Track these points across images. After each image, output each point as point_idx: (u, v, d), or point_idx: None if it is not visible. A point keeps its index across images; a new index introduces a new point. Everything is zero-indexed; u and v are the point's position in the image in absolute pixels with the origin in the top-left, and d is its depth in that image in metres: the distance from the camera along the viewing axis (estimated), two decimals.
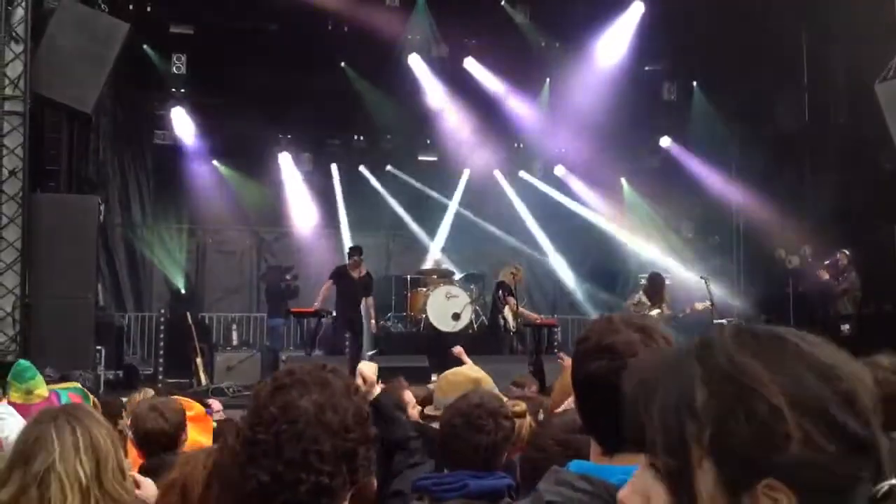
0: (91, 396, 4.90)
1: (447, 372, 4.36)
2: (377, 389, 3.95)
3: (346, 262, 13.89)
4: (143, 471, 3.41)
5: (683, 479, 1.02)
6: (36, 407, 4.68)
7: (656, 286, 13.64)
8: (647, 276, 14.12)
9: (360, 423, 1.86)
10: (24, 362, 4.90)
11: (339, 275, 13.81)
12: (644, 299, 13.50)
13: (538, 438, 2.81)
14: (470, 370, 4.32)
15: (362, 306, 13.88)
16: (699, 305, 13.65)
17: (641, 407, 1.09)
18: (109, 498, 2.51)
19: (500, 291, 13.87)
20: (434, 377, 11.26)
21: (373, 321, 13.94)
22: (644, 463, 1.07)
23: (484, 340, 14.46)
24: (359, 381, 4.13)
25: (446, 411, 3.09)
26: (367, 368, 3.97)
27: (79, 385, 5.05)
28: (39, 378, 4.83)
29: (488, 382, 4.07)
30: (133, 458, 3.96)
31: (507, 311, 13.69)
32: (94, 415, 2.69)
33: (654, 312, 13.37)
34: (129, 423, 4.43)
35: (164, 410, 3.98)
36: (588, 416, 1.91)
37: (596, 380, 1.84)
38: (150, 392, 5.74)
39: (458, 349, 7.92)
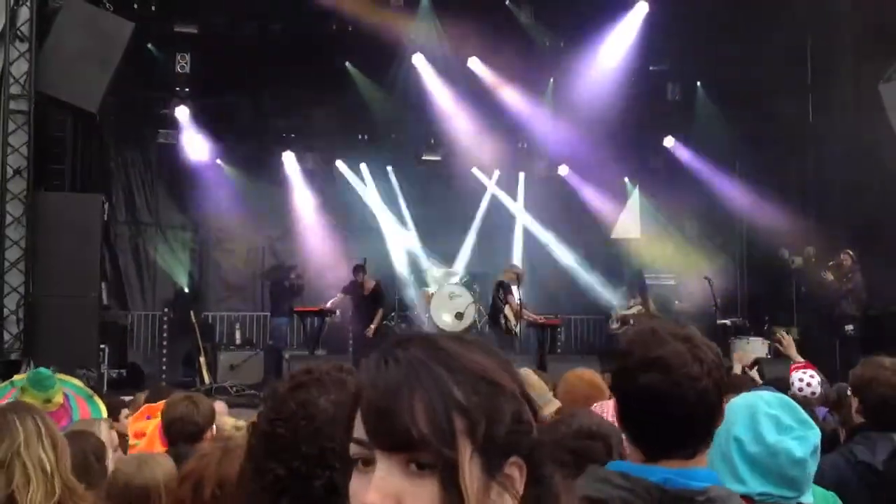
0: (95, 396, 4.91)
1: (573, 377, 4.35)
2: None
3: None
4: None
5: (452, 471, 1.12)
6: (53, 415, 4.70)
7: (636, 281, 13.81)
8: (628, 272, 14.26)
9: None
10: (44, 371, 4.92)
11: (351, 290, 14.15)
12: (626, 294, 13.70)
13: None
14: (593, 376, 4.28)
15: None
16: (677, 306, 13.88)
17: (402, 410, 1.15)
18: (67, 488, 2.54)
19: (500, 291, 13.87)
20: None
21: (372, 326, 13.90)
22: (394, 465, 1.13)
23: (487, 340, 14.46)
24: None
25: None
26: None
27: (80, 384, 5.06)
28: (58, 386, 4.85)
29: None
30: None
31: (508, 311, 13.70)
32: (41, 412, 2.76)
33: (637, 308, 13.49)
34: (130, 423, 4.45)
35: (198, 402, 4.05)
36: (634, 426, 1.93)
37: (647, 393, 1.86)
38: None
39: None
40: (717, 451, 2.32)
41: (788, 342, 6.42)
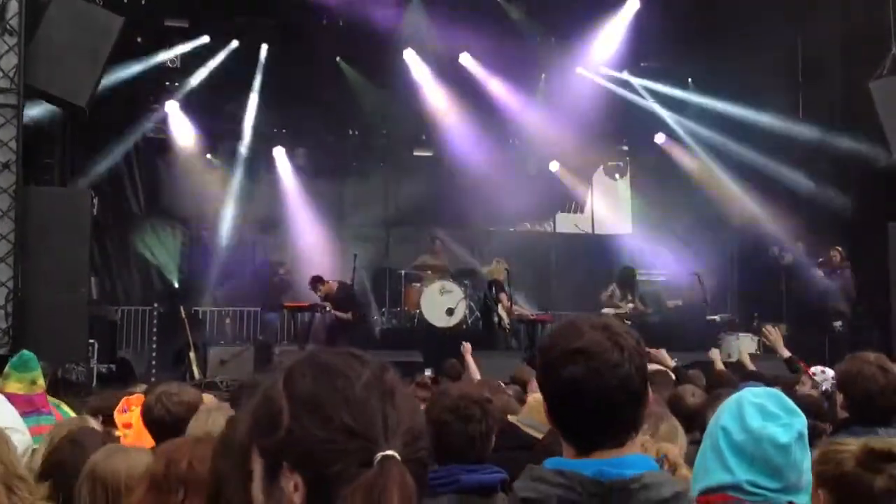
0: (62, 405, 4.90)
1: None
2: None
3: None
4: None
5: (241, 481, 1.31)
6: (38, 397, 4.69)
7: (625, 279, 13.84)
8: (619, 269, 14.29)
9: None
10: (28, 353, 4.91)
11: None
12: (617, 291, 13.70)
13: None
14: None
15: None
16: (670, 304, 13.89)
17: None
18: (16, 478, 2.51)
19: (493, 289, 13.89)
20: (428, 371, 11.32)
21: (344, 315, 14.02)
22: None
23: (478, 336, 14.48)
24: None
25: (432, 408, 3.09)
26: None
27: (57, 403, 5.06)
28: (40, 370, 4.84)
29: None
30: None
31: (500, 309, 13.72)
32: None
33: (628, 306, 13.53)
34: (115, 417, 4.43)
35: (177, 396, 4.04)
36: (562, 419, 1.93)
37: (571, 384, 1.86)
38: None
39: (466, 346, 7.88)
40: (708, 443, 2.34)
41: (776, 337, 6.45)
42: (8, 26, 11.01)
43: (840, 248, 13.64)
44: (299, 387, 1.29)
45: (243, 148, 16.72)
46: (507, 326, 13.60)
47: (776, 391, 2.39)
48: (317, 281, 14.35)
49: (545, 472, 1.84)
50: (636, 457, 1.88)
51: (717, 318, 15.63)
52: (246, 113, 16.73)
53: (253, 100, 16.66)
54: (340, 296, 14.13)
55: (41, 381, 4.64)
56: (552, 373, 1.90)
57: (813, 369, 5.95)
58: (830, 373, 5.86)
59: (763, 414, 2.26)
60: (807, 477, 2.30)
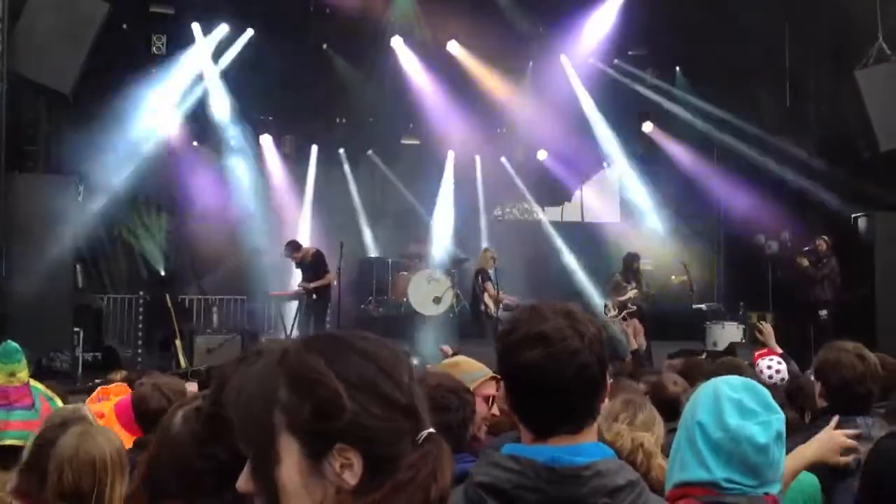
0: (56, 399, 4.84)
1: (450, 364, 4.02)
2: None
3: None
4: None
5: (266, 464, 1.31)
6: (14, 390, 4.62)
7: (628, 264, 13.83)
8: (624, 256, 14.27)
9: None
10: (12, 344, 4.81)
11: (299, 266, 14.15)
12: (620, 280, 13.67)
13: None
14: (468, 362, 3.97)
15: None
16: (675, 279, 13.83)
17: (233, 411, 1.40)
18: None
19: (479, 278, 13.89)
20: (415, 361, 11.34)
21: (310, 286, 13.86)
22: None
23: (465, 325, 14.51)
24: None
25: None
26: None
27: (41, 386, 4.99)
28: (24, 363, 4.75)
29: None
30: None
31: (486, 298, 13.72)
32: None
33: (633, 292, 13.51)
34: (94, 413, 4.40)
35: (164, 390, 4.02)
36: (520, 404, 1.93)
37: (530, 369, 1.86)
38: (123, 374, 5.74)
39: (447, 349, 7.54)
40: (683, 435, 2.34)
41: (768, 332, 6.41)
42: None
43: (826, 238, 13.68)
44: (350, 369, 1.30)
45: (230, 135, 16.62)
46: (493, 315, 13.60)
47: (754, 383, 2.38)
48: (292, 247, 14.02)
49: (500, 458, 1.85)
50: (592, 444, 1.88)
51: (703, 306, 15.68)
52: (232, 101, 16.65)
53: (239, 88, 16.58)
54: (316, 261, 13.95)
55: (22, 375, 4.56)
56: (511, 357, 1.90)
57: (767, 361, 5.92)
58: (785, 367, 5.85)
59: (741, 411, 2.25)
60: (782, 469, 2.31)
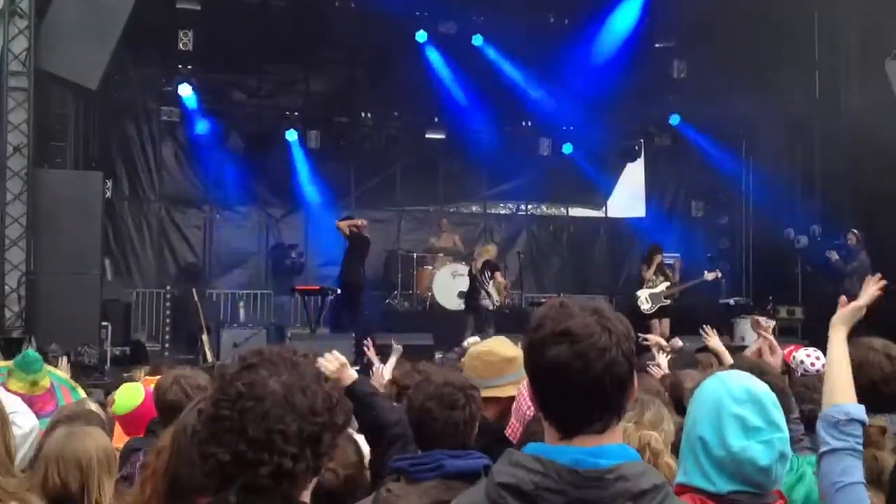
0: (78, 388, 4.89)
1: (479, 351, 4.08)
2: (350, 375, 3.80)
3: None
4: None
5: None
6: (38, 398, 4.67)
7: (652, 257, 13.77)
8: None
9: (328, 408, 1.84)
10: (32, 353, 4.89)
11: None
12: (649, 273, 13.61)
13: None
14: (503, 347, 4.01)
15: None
16: (709, 275, 13.69)
17: None
18: None
19: (486, 270, 13.70)
20: (438, 355, 11.29)
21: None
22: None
23: (490, 318, 14.46)
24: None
25: (416, 396, 3.08)
26: (331, 361, 3.79)
27: (63, 375, 5.04)
28: (45, 370, 4.82)
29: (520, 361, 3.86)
30: (117, 437, 3.97)
31: (491, 287, 13.55)
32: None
33: (663, 285, 13.43)
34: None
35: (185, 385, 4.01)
36: (546, 402, 1.90)
37: (556, 365, 1.83)
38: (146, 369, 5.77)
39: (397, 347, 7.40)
40: (686, 444, 2.35)
41: (766, 327, 6.29)
42: (18, 10, 11.05)
43: (856, 231, 13.51)
44: None
45: (256, 130, 16.66)
46: (497, 304, 13.46)
47: (759, 393, 2.33)
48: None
49: (523, 458, 1.83)
50: (616, 446, 1.85)
51: (731, 301, 15.56)
52: (258, 95, 16.71)
53: (265, 82, 16.64)
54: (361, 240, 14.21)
55: (44, 383, 4.63)
56: (537, 353, 1.87)
57: (807, 351, 5.80)
58: (814, 355, 5.70)
59: (744, 429, 2.26)
60: (782, 479, 2.34)
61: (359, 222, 14.26)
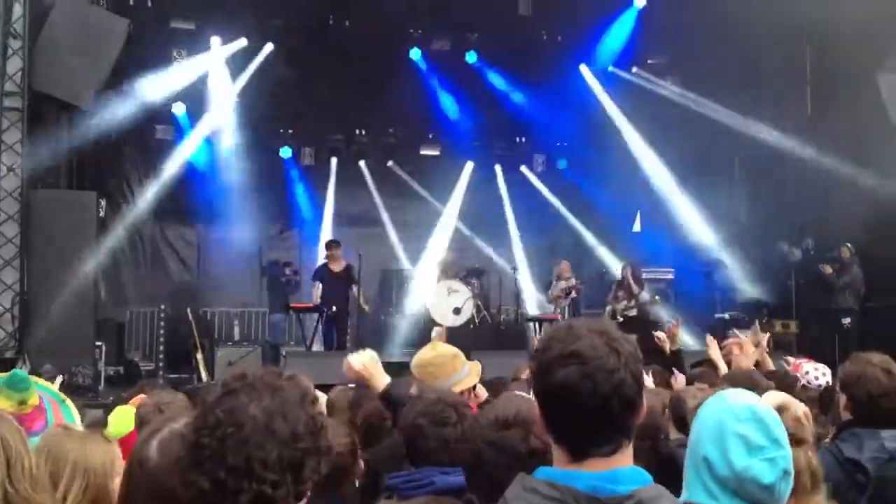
0: (67, 400, 4.86)
1: (423, 359, 4.26)
2: (382, 379, 3.93)
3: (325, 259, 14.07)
4: None
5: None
6: (28, 417, 4.64)
7: (624, 273, 14.16)
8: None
9: (311, 433, 1.81)
10: (19, 372, 4.84)
11: (320, 275, 14.01)
12: (616, 290, 14.02)
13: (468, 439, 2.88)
14: (442, 348, 4.34)
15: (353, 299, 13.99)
16: (644, 295, 14.12)
17: None
18: (20, 497, 2.46)
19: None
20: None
21: (362, 303, 13.98)
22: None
23: (486, 334, 14.47)
24: (346, 372, 4.10)
25: (408, 413, 3.08)
26: (355, 359, 3.92)
27: (51, 387, 5.00)
28: (33, 388, 4.78)
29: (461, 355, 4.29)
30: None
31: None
32: (2, 415, 2.66)
33: (624, 303, 13.77)
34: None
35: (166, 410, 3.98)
36: (555, 424, 1.89)
37: (564, 387, 1.83)
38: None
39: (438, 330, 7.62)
40: (690, 463, 2.34)
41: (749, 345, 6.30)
42: (12, 30, 11.06)
43: (849, 245, 13.54)
44: None
45: (250, 148, 16.66)
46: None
47: (761, 411, 2.33)
48: (333, 245, 14.18)
49: (537, 483, 1.81)
50: (630, 470, 1.85)
51: (725, 315, 15.56)
52: (252, 113, 16.73)
53: (259, 101, 16.64)
54: (348, 272, 14.01)
55: (32, 401, 4.60)
56: (545, 375, 1.86)
57: (806, 367, 5.84)
58: (821, 370, 5.74)
59: (748, 448, 2.25)
60: (786, 497, 2.32)
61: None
